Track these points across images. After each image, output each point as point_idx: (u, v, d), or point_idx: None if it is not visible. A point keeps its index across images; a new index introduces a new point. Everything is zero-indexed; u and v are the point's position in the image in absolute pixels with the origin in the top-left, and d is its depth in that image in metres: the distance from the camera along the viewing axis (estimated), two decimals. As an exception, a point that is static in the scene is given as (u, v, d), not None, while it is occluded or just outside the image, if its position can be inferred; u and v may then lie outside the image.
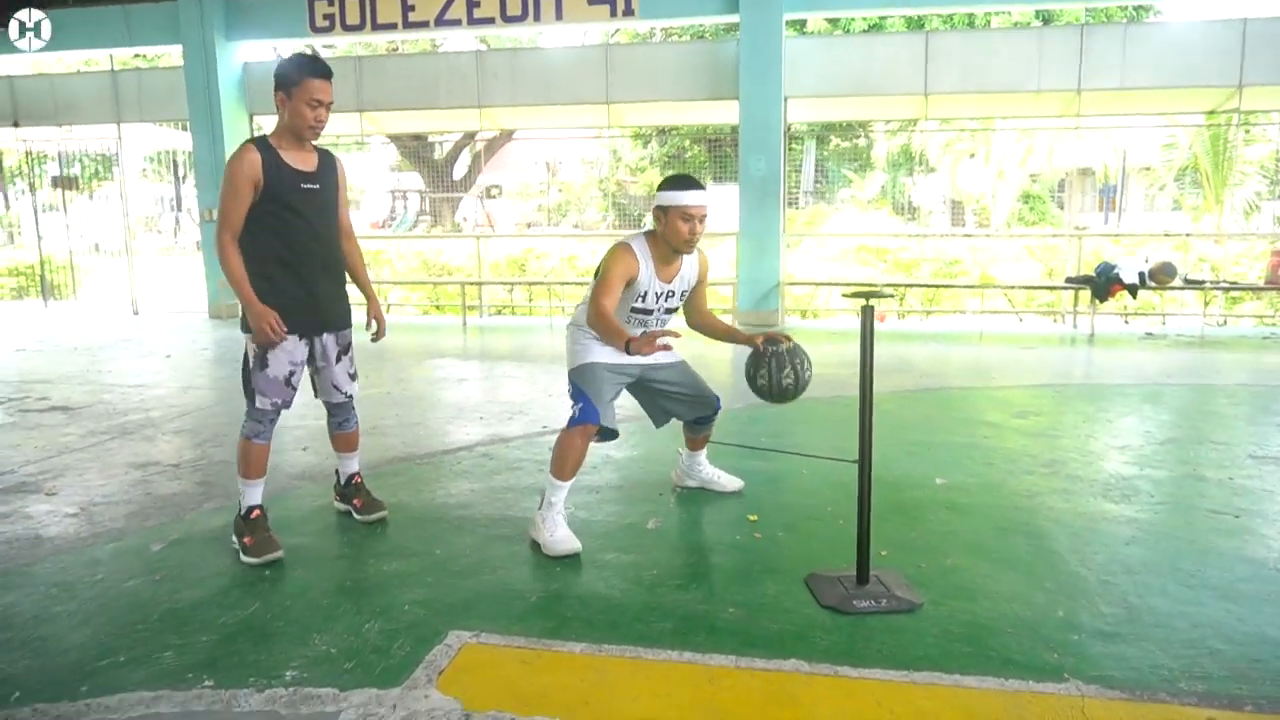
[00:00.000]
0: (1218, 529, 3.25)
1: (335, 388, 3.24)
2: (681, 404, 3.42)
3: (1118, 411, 5.25)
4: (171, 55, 11.01)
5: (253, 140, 2.97)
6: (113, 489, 3.84)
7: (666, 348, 2.74)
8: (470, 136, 15.41)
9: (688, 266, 3.24)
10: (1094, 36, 8.75)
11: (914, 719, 2.05)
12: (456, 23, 9.77)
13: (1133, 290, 8.48)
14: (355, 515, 3.38)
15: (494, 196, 24.59)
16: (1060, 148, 16.39)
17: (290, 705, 2.12)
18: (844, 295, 2.70)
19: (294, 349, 3.05)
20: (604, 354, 3.14)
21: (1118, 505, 3.51)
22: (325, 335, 3.16)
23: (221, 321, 10.15)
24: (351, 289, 3.34)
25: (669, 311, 3.31)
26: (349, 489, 3.42)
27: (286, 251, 2.99)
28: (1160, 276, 8.45)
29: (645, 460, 4.21)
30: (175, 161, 17.88)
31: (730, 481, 3.65)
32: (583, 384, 3.13)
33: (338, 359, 3.21)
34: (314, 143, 3.07)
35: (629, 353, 2.78)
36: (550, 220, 20.48)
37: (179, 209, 21.58)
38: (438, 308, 12.10)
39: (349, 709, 2.10)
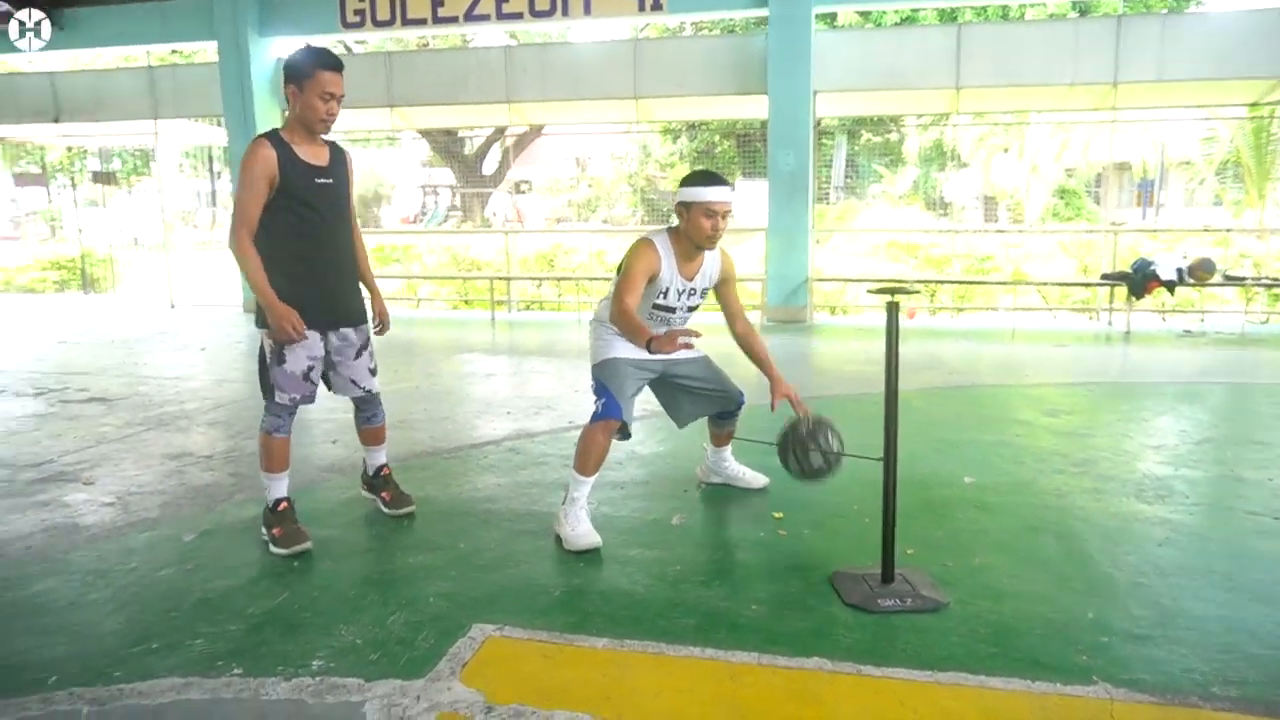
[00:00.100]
0: (1256, 530, 3.18)
1: (354, 383, 3.23)
2: (705, 399, 3.41)
3: (1153, 410, 5.15)
4: (207, 51, 11.14)
5: (265, 135, 2.95)
6: (148, 479, 3.92)
7: (688, 346, 2.74)
8: (500, 132, 15.50)
9: (710, 264, 3.23)
10: (1131, 28, 8.58)
11: (938, 719, 2.03)
12: (485, 18, 9.80)
13: (1170, 287, 8.32)
14: (383, 508, 3.41)
15: (524, 192, 24.71)
16: (1096, 142, 16.10)
17: (316, 694, 2.15)
18: (869, 291, 2.68)
19: (312, 344, 3.04)
20: (626, 349, 3.14)
21: (1151, 506, 3.45)
22: (343, 329, 3.15)
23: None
24: None
25: (691, 309, 3.30)
26: (377, 480, 3.45)
27: (302, 247, 2.99)
28: (1199, 273, 8.28)
29: (671, 456, 4.20)
30: (210, 156, 18.15)
31: (755, 478, 3.63)
32: (605, 379, 3.13)
33: (357, 354, 3.20)
34: (324, 136, 3.06)
35: (650, 351, 2.78)
36: (580, 215, 20.53)
37: (215, 204, 21.92)
38: (466, 303, 12.18)
39: (374, 699, 2.13)
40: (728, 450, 3.65)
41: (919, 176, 18.93)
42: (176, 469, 4.06)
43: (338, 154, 3.10)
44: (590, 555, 2.99)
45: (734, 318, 3.39)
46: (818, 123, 9.57)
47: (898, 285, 2.61)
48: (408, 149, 23.70)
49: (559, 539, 3.09)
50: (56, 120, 11.57)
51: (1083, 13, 14.01)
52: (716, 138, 18.85)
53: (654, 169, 20.52)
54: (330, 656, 2.33)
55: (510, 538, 3.18)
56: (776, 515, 3.36)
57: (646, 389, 3.35)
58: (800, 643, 2.38)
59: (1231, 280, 8.80)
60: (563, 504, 3.14)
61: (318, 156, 3.02)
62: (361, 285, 3.31)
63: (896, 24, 13.99)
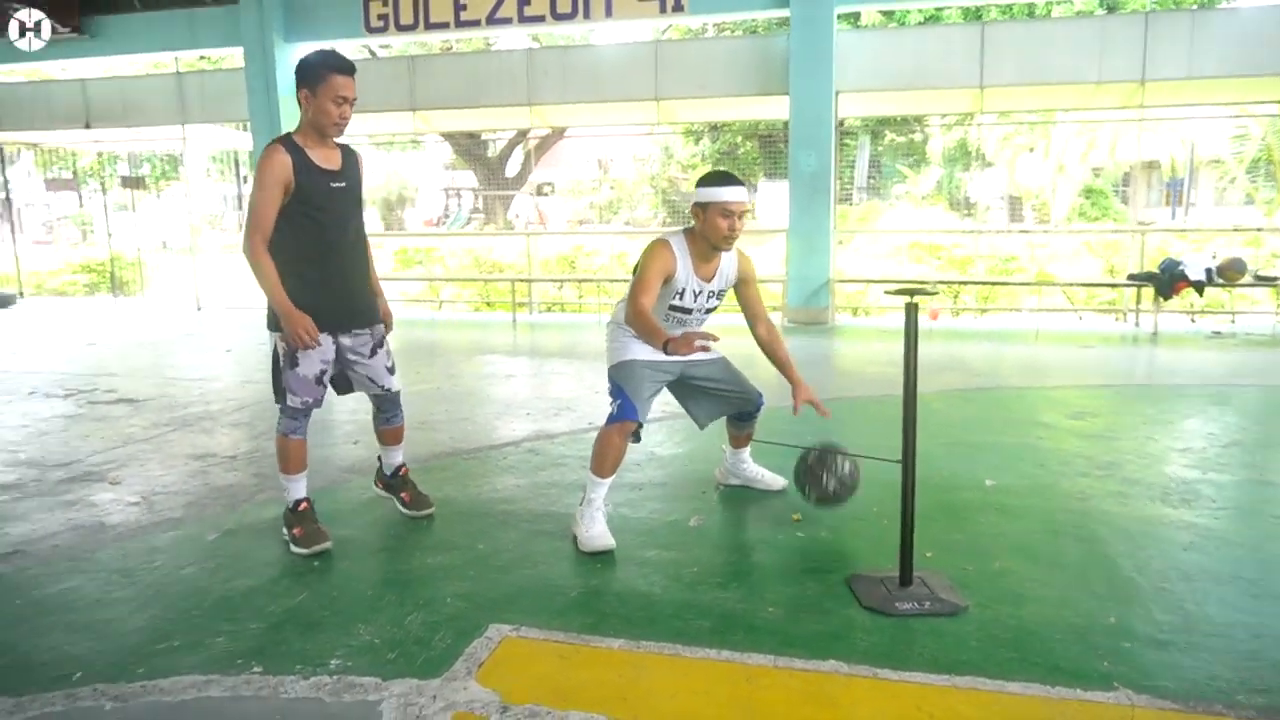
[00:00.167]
0: (1283, 536, 3.13)
1: (372, 381, 3.23)
2: (723, 401, 3.40)
3: (1180, 413, 5.08)
4: (234, 57, 11.30)
5: (279, 140, 2.95)
6: (172, 479, 3.97)
7: (705, 349, 2.74)
8: (523, 134, 15.55)
9: (727, 264, 3.22)
10: (1159, 24, 8.46)
11: (955, 724, 2.02)
12: (508, 21, 9.86)
13: (1199, 287, 8.20)
14: (402, 509, 3.43)
15: (546, 194, 24.79)
16: (1124, 140, 15.89)
17: (334, 693, 2.17)
18: (887, 292, 2.67)
19: (325, 348, 3.04)
20: (643, 351, 3.14)
21: (1176, 510, 3.40)
22: (356, 331, 3.15)
23: (280, 317, 10.41)
24: None
25: (708, 311, 3.29)
26: (395, 481, 3.47)
27: (316, 250, 2.99)
28: (1229, 273, 8.15)
29: (689, 458, 4.20)
30: (237, 161, 18.40)
31: (774, 480, 3.62)
32: (621, 381, 3.13)
33: (372, 353, 3.20)
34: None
35: (667, 353, 2.78)
36: (602, 217, 20.55)
37: (241, 208, 22.20)
38: (488, 304, 12.24)
39: (390, 698, 2.14)
40: (746, 452, 3.64)
41: (943, 177, 18.76)
42: (200, 469, 4.12)
43: (349, 156, 3.10)
44: (607, 556, 2.99)
45: (756, 320, 3.38)
46: (840, 123, 9.52)
47: (916, 286, 2.59)
48: (431, 152, 23.85)
49: (576, 540, 3.10)
50: (87, 126, 11.78)
51: (1111, 9, 13.82)
52: (739, 139, 18.79)
53: (676, 170, 20.51)
54: (348, 655, 2.35)
55: (528, 538, 3.19)
56: (795, 517, 3.35)
57: (665, 390, 3.35)
58: (817, 645, 2.37)
59: (1262, 280, 8.64)
60: (580, 505, 3.15)
61: (331, 160, 3.02)
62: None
63: (920, 23, 13.90)
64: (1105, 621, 2.48)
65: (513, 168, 18.75)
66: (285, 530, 3.14)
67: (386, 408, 3.35)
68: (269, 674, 2.27)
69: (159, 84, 11.69)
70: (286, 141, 2.95)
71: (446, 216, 23.79)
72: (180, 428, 4.93)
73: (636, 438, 3.17)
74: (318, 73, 2.90)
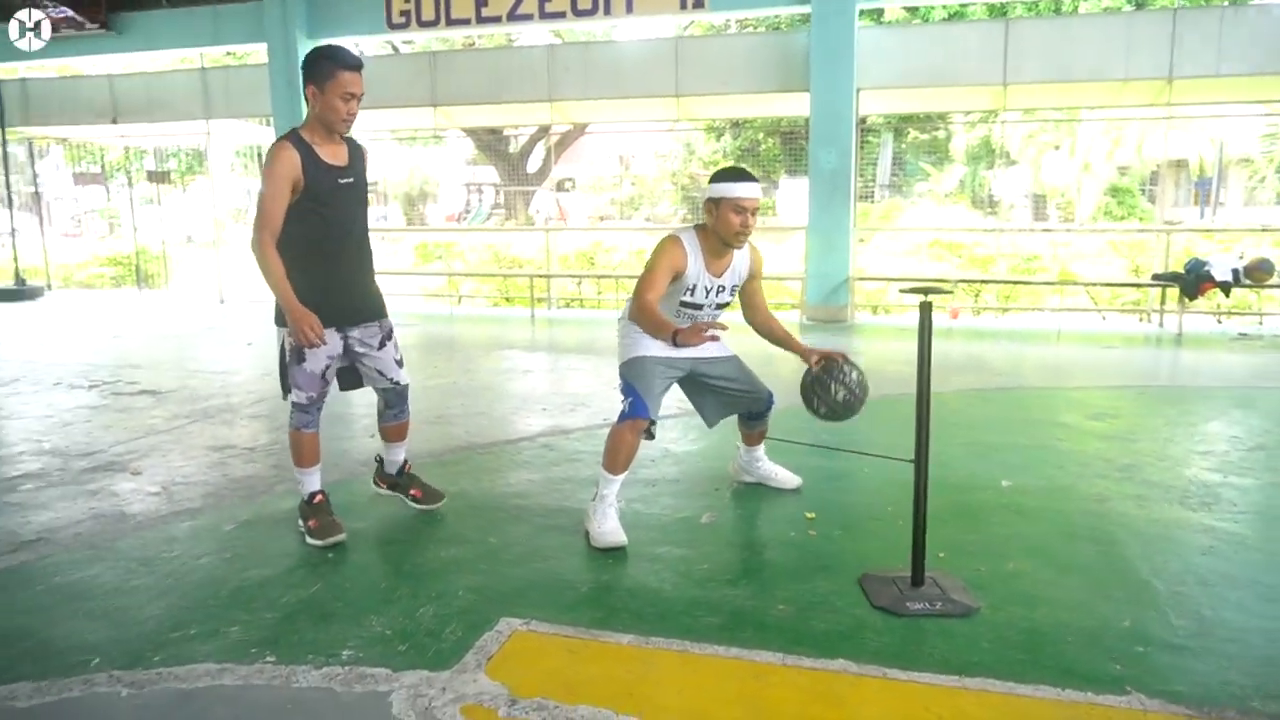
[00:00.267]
0: (1305, 541, 3.08)
1: (381, 374, 3.22)
2: (734, 399, 3.40)
3: (1203, 415, 5.01)
4: (258, 53, 11.42)
5: (287, 137, 2.93)
6: (192, 470, 4.02)
7: (714, 339, 2.73)
8: (545, 130, 15.59)
9: (739, 260, 3.21)
10: (1187, 21, 8.34)
11: (963, 725, 2.01)
12: (528, 17, 9.88)
13: (1225, 288, 8.08)
14: (414, 505, 3.42)
15: (567, 189, 24.82)
16: (1151, 139, 15.67)
17: (345, 683, 2.20)
18: (902, 290, 2.65)
19: (331, 344, 3.04)
20: (654, 347, 3.13)
21: (1196, 513, 3.35)
22: (363, 325, 3.15)
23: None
24: None
25: (720, 307, 3.28)
26: (403, 478, 3.46)
27: (323, 246, 2.98)
28: (1256, 274, 8.02)
29: (703, 454, 4.20)
30: (260, 156, 18.56)
31: (788, 479, 3.61)
32: (632, 378, 3.13)
33: (381, 345, 3.20)
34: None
35: (675, 344, 2.78)
36: (622, 213, 20.56)
37: (264, 202, 22.32)
38: (507, 299, 12.29)
39: (400, 689, 2.16)
40: (760, 449, 3.63)
41: (966, 174, 18.60)
42: (220, 460, 4.17)
43: (356, 151, 3.09)
44: (619, 552, 3.00)
45: (754, 310, 3.39)
46: (862, 120, 9.46)
47: (931, 285, 2.57)
48: (453, 147, 23.94)
49: (588, 535, 3.11)
50: (114, 121, 11.94)
51: (1139, 6, 13.63)
52: (760, 135, 18.73)
53: (697, 167, 20.47)
54: (360, 646, 2.37)
55: (540, 533, 3.20)
56: (809, 515, 3.34)
57: (675, 387, 3.35)
58: (826, 644, 2.36)
59: (1291, 282, 8.50)
60: (592, 501, 3.16)
61: (338, 156, 3.01)
62: None
63: (944, 20, 13.77)
64: (1119, 625, 2.45)
65: (534, 163, 18.79)
66: (301, 522, 3.17)
67: (395, 402, 3.33)
68: (281, 663, 2.29)
69: (184, 80, 11.83)
70: (294, 138, 2.93)
71: (468, 212, 23.88)
72: (201, 419, 4.99)
73: (650, 434, 3.17)
74: (325, 69, 2.88)
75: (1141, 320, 10.14)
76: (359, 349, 3.17)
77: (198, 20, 11.00)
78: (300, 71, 2.98)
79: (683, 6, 9.44)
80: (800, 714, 2.06)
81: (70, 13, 11.05)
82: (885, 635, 2.41)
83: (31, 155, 13.60)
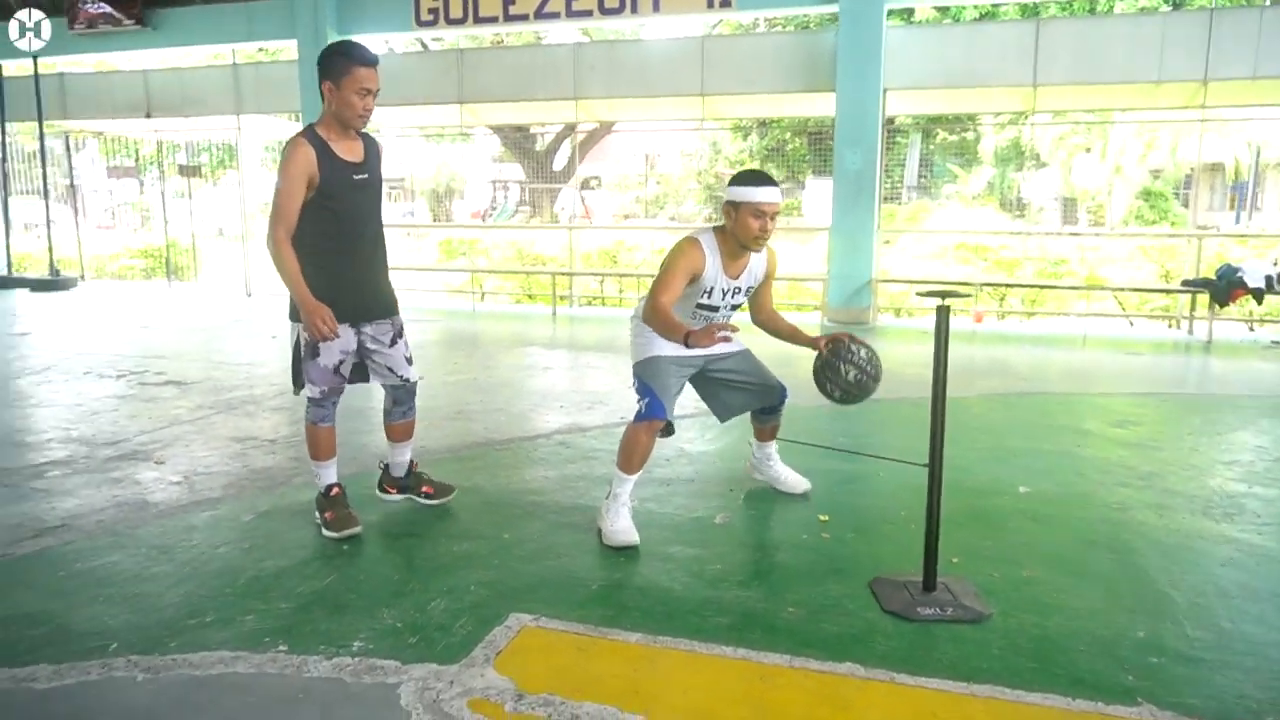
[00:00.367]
0: (1329, 554, 3.02)
1: (392, 370, 3.24)
2: (746, 394, 3.38)
3: (1230, 424, 4.93)
4: (289, 50, 11.54)
5: (303, 134, 2.95)
6: (213, 460, 4.08)
7: (726, 340, 2.73)
8: (571, 128, 15.63)
9: (755, 262, 3.20)
10: (1224, 22, 8.18)
11: (970, 732, 2.00)
12: (555, 15, 9.91)
13: (1258, 295, 7.94)
14: (426, 502, 3.43)
15: (592, 188, 24.85)
16: (1185, 142, 15.42)
17: (355, 674, 2.22)
18: (919, 294, 2.63)
19: (345, 339, 3.06)
20: (668, 347, 3.12)
21: (1218, 524, 3.30)
22: (376, 322, 3.16)
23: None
24: None
25: (734, 308, 3.28)
26: (410, 478, 3.46)
27: (337, 243, 2.99)
28: (1290, 281, 7.87)
29: (719, 455, 4.20)
30: (287, 152, 18.71)
31: (797, 482, 3.59)
32: (648, 378, 3.14)
33: (392, 342, 3.21)
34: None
35: (689, 346, 2.78)
36: (647, 212, 20.55)
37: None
38: (530, 297, 12.33)
39: (409, 682, 2.18)
40: (772, 448, 3.61)
41: (995, 176, 18.40)
42: (241, 451, 4.22)
43: (371, 146, 3.10)
44: (630, 551, 3.00)
45: (759, 309, 3.37)
46: (890, 121, 9.40)
47: (948, 289, 2.55)
48: (480, 144, 24.06)
49: (600, 533, 3.12)
50: (148, 115, 12.12)
51: (1176, 6, 13.41)
52: (787, 135, 18.65)
53: (723, 166, 20.42)
54: (371, 638, 2.40)
55: (553, 530, 3.22)
56: (822, 518, 3.33)
57: (688, 385, 3.34)
58: (835, 647, 2.35)
59: (1326, 289, 8.33)
60: (605, 499, 3.16)
61: (353, 152, 3.02)
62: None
63: (976, 19, 13.64)
64: (1134, 635, 2.42)
65: (560, 161, 18.84)
66: (317, 514, 3.21)
67: (403, 399, 3.34)
68: (294, 653, 2.32)
69: (216, 75, 12.00)
70: (310, 134, 2.94)
71: (493, 209, 23.97)
72: (224, 410, 5.06)
73: (669, 432, 3.17)
74: (341, 65, 2.89)
75: (1170, 327, 9.98)
76: (371, 345, 3.19)
77: (230, 17, 11.15)
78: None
79: (710, 5, 9.42)
80: (806, 716, 2.06)
81: (107, 8, 11.26)
82: (895, 640, 2.40)
83: (68, 148, 13.84)
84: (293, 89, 10.99)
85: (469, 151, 24.51)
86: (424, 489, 3.45)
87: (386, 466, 3.50)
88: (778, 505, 3.52)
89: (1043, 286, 10.54)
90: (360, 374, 3.27)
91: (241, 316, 9.59)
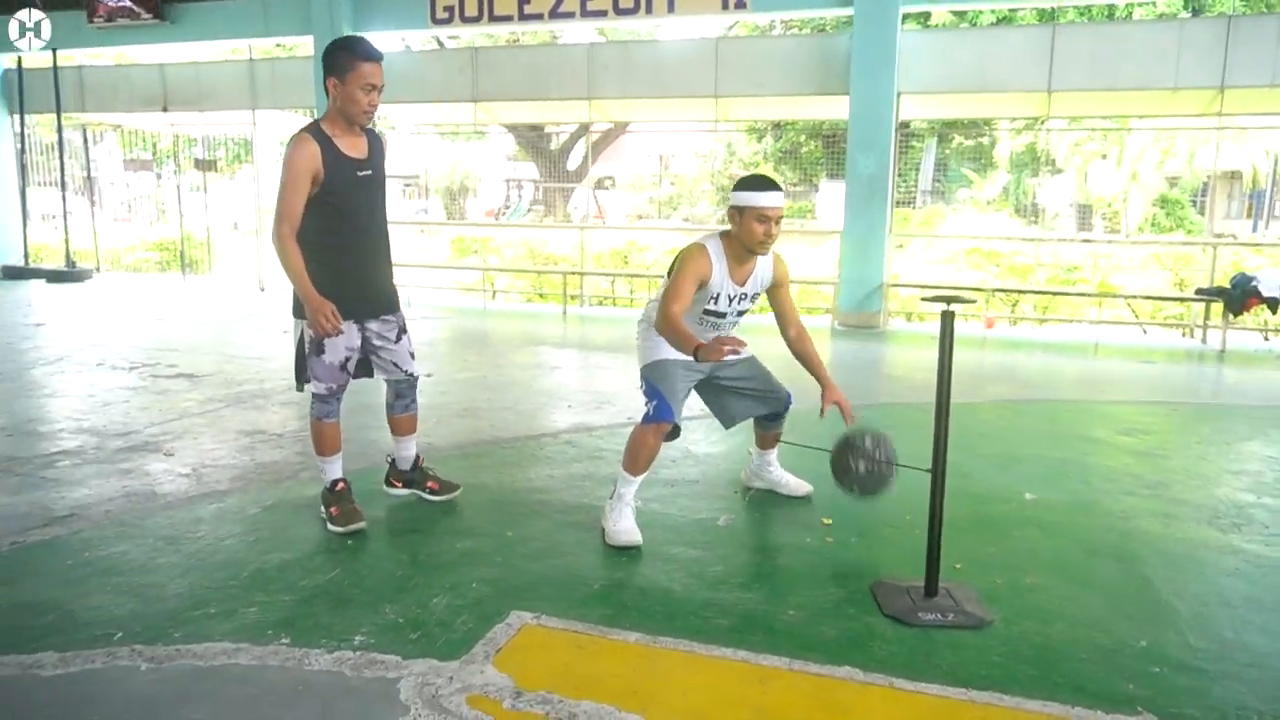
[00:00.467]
0: (1337, 567, 3.00)
1: (397, 365, 3.26)
2: (752, 400, 3.39)
3: (1240, 434, 4.89)
4: (305, 45, 11.60)
5: (307, 129, 2.95)
6: (222, 453, 4.11)
7: (735, 354, 2.73)
8: (585, 128, 15.67)
9: (762, 268, 3.20)
10: (1241, 29, 8.12)
11: (967, 739, 1.99)
12: (570, 15, 9.92)
13: (1272, 305, 7.87)
14: (431, 499, 3.45)
15: (606, 188, 24.87)
16: (1203, 149, 15.31)
17: (355, 668, 2.24)
18: (923, 299, 2.63)
19: (350, 336, 3.08)
20: (675, 350, 3.13)
21: (1225, 534, 3.28)
22: (381, 319, 3.19)
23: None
24: None
25: (741, 314, 3.27)
26: (416, 473, 3.48)
27: (342, 239, 3.01)
28: (1306, 291, 7.80)
29: (725, 457, 4.20)
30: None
31: (799, 485, 3.59)
32: (656, 381, 3.14)
33: (397, 338, 3.24)
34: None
35: (698, 359, 2.78)
36: (661, 213, 20.56)
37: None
38: (541, 296, 12.35)
39: (409, 677, 2.20)
40: (773, 454, 3.61)
41: (1009, 182, 18.33)
42: (249, 445, 4.25)
43: (375, 142, 3.11)
44: (633, 551, 3.01)
45: (787, 323, 3.35)
46: (904, 125, 9.37)
47: (952, 295, 2.55)
48: (494, 143, 24.12)
49: (604, 533, 3.13)
50: (165, 109, 12.21)
51: (1195, 12, 13.32)
52: (802, 138, 18.62)
53: (738, 168, 20.41)
54: (372, 633, 2.42)
55: (557, 529, 3.23)
56: (826, 521, 3.33)
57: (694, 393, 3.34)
58: (834, 651, 2.35)
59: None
60: (610, 499, 3.17)
61: (357, 148, 3.03)
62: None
63: (993, 24, 13.59)
64: (1136, 644, 2.41)
65: (574, 160, 18.87)
66: (323, 509, 3.23)
67: (404, 393, 3.36)
68: (296, 645, 2.34)
69: (232, 70, 12.07)
70: (314, 130, 2.95)
71: (507, 207, 24.03)
72: (234, 404, 5.10)
73: (675, 434, 3.18)
74: (345, 61, 2.89)
75: (1184, 335, 9.91)
76: (376, 342, 3.21)
77: (247, 12, 11.22)
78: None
79: (725, 6, 9.41)
80: (802, 719, 2.06)
81: (126, 2, 11.34)
82: (894, 644, 2.40)
83: (86, 141, 13.96)
84: (308, 85, 11.04)
85: (484, 149, 24.59)
86: (429, 485, 3.46)
87: (393, 460, 3.52)
88: (781, 508, 3.52)
89: (1054, 293, 10.47)
90: (363, 369, 3.29)
91: (254, 311, 9.64)
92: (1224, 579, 2.88)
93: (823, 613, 2.58)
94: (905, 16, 9.05)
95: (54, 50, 11.96)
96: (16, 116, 12.86)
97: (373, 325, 3.18)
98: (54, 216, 13.71)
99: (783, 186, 3.13)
